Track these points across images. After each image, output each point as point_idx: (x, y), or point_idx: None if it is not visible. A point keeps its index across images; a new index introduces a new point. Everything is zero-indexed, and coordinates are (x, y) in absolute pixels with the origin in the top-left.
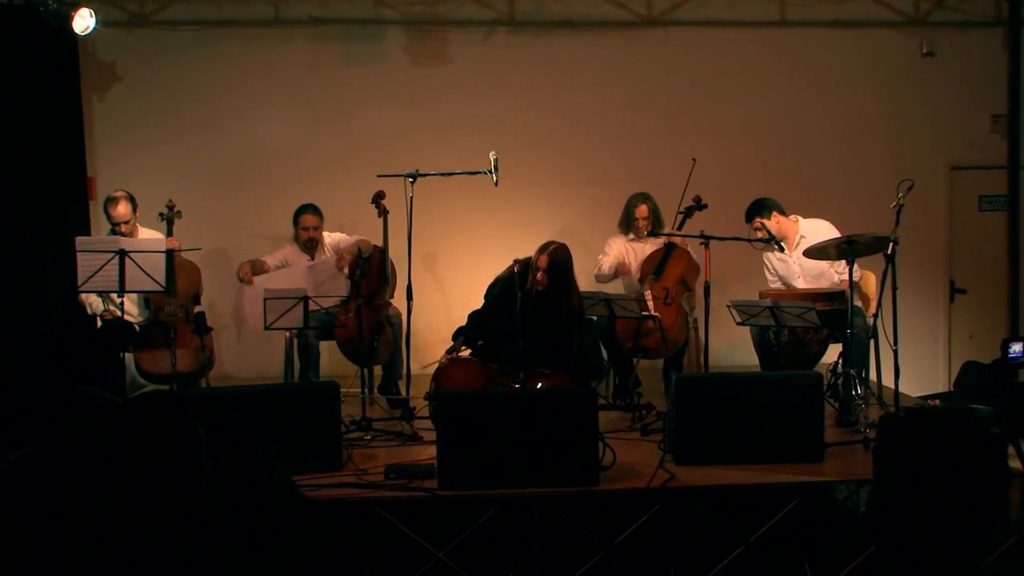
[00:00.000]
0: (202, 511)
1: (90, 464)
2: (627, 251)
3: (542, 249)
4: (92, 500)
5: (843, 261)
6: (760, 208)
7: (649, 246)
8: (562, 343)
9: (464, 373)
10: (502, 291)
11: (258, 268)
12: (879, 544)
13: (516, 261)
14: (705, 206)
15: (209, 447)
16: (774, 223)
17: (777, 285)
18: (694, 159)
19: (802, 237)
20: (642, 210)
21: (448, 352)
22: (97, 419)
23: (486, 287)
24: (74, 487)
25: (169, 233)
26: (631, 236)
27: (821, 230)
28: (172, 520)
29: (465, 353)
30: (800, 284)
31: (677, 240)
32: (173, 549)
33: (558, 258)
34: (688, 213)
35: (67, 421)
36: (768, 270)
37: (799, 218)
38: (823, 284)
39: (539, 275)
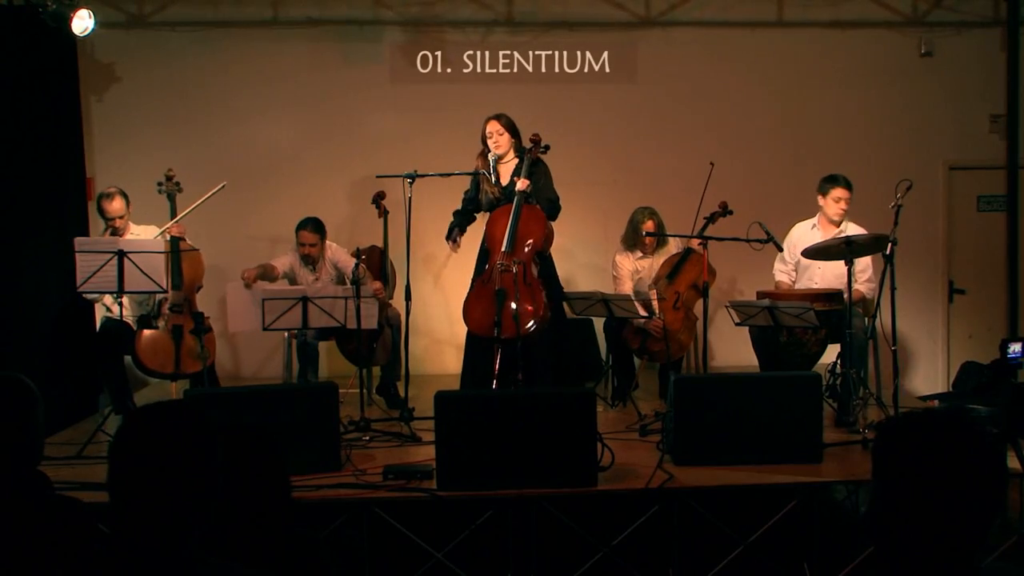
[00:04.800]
0: (210, 514)
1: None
2: (637, 270)
3: (486, 121)
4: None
5: (869, 271)
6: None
7: (659, 259)
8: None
9: (479, 302)
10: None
11: (268, 272)
12: (878, 545)
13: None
14: (731, 212)
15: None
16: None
17: (784, 276)
18: (712, 163)
19: (841, 231)
20: (648, 226)
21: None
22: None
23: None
24: None
25: (172, 211)
26: (639, 254)
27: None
28: (179, 521)
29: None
30: (815, 282)
31: (695, 245)
32: (176, 547)
33: (501, 116)
34: (712, 219)
35: None
36: (784, 260)
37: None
38: (836, 285)
39: (498, 138)
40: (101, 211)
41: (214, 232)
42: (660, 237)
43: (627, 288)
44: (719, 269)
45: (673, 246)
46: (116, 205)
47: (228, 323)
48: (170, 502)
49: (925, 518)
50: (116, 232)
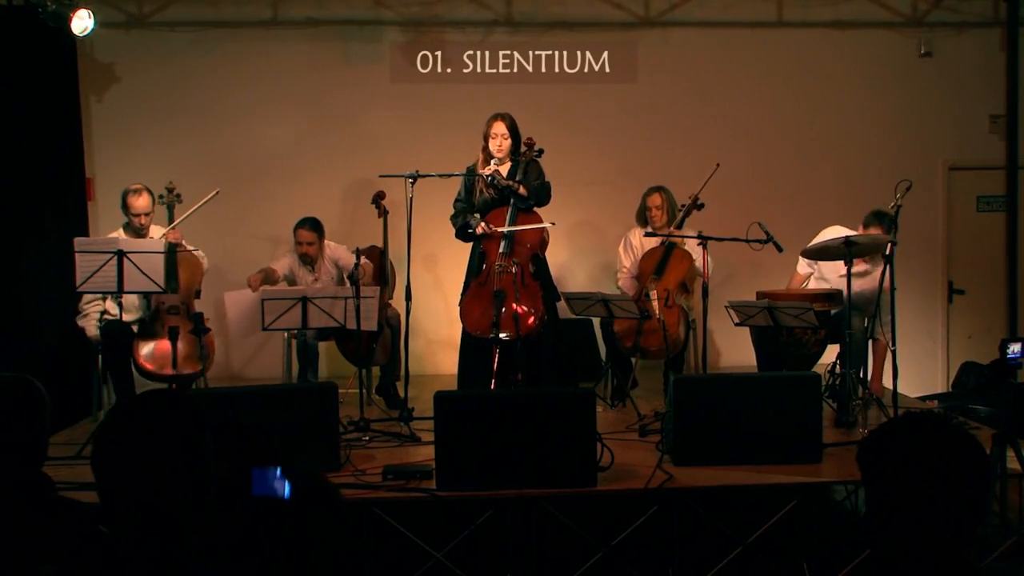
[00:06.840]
0: (205, 509)
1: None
2: (642, 245)
3: (491, 120)
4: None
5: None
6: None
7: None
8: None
9: (477, 303)
10: (467, 183)
11: (269, 276)
12: (875, 549)
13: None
14: (702, 206)
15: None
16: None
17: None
18: (718, 164)
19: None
20: (654, 199)
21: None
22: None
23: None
24: None
25: (170, 219)
26: (648, 229)
27: None
28: (173, 517)
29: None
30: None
31: (677, 241)
32: (169, 546)
33: (506, 116)
34: (687, 212)
35: None
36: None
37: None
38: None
39: (503, 141)
40: (126, 207)
41: (213, 232)
42: (670, 215)
43: (626, 261)
44: (718, 269)
45: (685, 228)
46: (143, 201)
47: (229, 331)
48: (158, 498)
49: (915, 520)
50: (140, 231)
